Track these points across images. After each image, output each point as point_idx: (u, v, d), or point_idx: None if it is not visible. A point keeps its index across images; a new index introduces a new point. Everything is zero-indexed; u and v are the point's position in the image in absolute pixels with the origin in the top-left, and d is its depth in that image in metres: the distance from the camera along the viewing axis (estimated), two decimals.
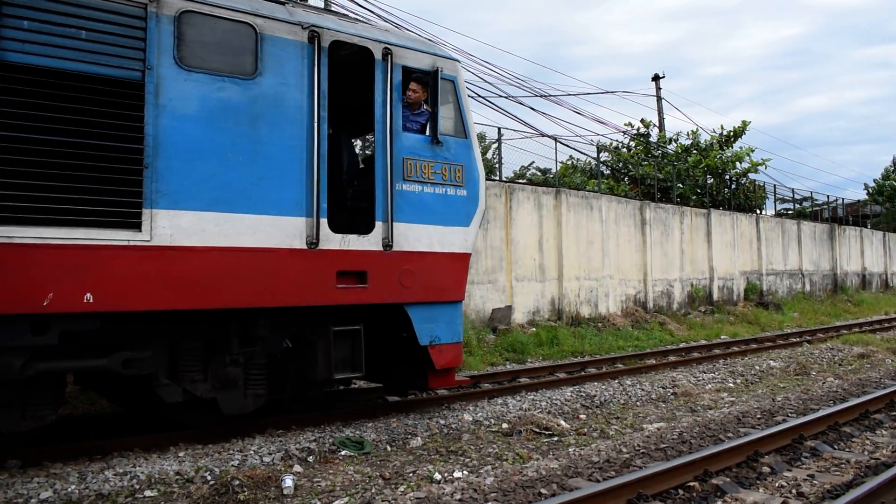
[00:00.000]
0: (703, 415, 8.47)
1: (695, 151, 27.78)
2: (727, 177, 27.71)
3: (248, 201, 6.22)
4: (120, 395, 7.51)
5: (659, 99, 30.90)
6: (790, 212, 33.80)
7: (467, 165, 7.81)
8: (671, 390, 10.23)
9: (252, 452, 6.41)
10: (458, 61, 8.11)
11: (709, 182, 26.67)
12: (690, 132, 29.33)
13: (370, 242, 7.01)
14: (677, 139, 29.19)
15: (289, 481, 5.61)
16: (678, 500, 5.34)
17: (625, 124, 30.43)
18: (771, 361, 12.99)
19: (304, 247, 6.53)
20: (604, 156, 25.62)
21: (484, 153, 24.49)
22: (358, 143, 11.38)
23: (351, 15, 13.48)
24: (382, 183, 7.12)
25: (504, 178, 17.47)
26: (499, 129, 17.99)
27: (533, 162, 25.48)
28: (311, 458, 6.52)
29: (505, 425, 7.86)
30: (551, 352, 14.22)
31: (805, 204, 35.01)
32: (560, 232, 17.31)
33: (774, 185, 31.26)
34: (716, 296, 22.96)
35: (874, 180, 48.82)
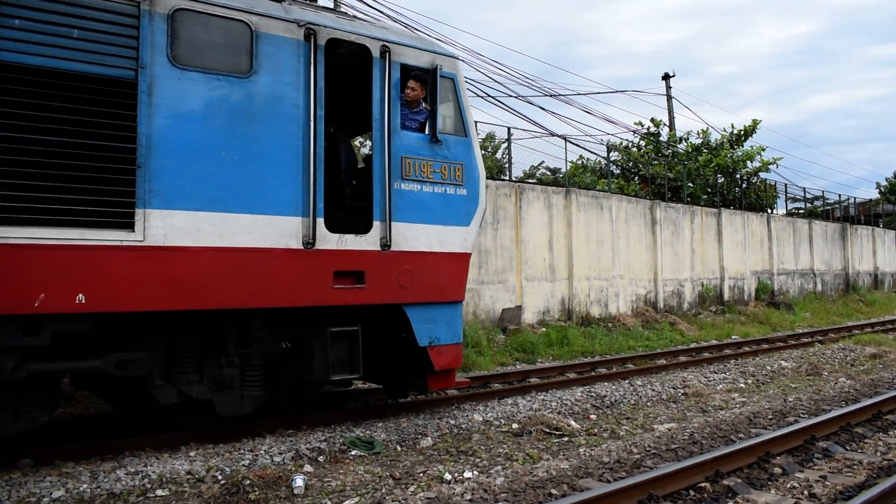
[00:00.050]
0: (714, 415, 8.43)
1: (705, 150, 27.67)
2: (738, 176, 27.60)
3: (244, 201, 6.16)
4: (116, 397, 7.45)
5: (669, 98, 30.79)
6: (801, 211, 33.62)
7: (467, 164, 7.72)
8: (682, 391, 10.20)
9: (263, 452, 6.42)
10: (458, 59, 8.01)
11: (719, 181, 26.57)
12: (701, 131, 29.26)
13: (368, 242, 6.95)
14: (687, 138, 29.12)
15: (299, 481, 5.62)
16: (689, 501, 5.32)
17: (635, 123, 30.31)
18: (782, 362, 12.93)
19: (301, 247, 6.47)
20: (614, 155, 25.60)
21: (494, 153, 24.50)
22: (368, 142, 11.37)
23: (360, 15, 13.49)
24: (380, 182, 7.05)
25: (514, 178, 17.45)
26: (508, 128, 17.96)
27: (543, 161, 25.42)
28: (321, 458, 6.53)
29: (515, 425, 7.86)
30: (561, 352, 14.20)
31: (816, 203, 34.82)
32: (570, 232, 17.28)
33: (786, 185, 31.17)
34: (727, 296, 22.87)
35: (886, 179, 48.57)
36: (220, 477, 5.80)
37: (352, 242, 6.84)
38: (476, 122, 22.17)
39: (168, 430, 6.98)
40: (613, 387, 10.24)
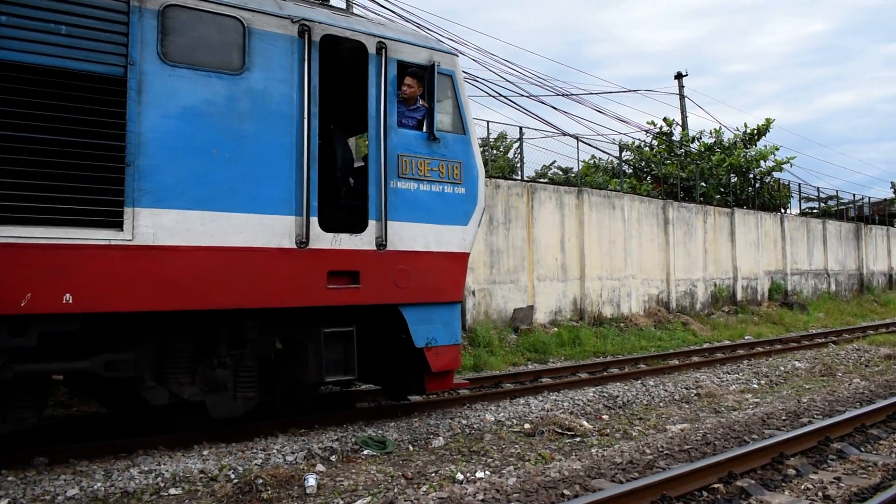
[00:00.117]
0: (728, 416, 8.39)
1: (718, 150, 27.54)
2: (751, 175, 27.45)
3: (235, 200, 6.08)
4: (108, 398, 7.37)
5: (682, 97, 30.66)
6: (815, 211, 33.42)
7: (466, 162, 7.62)
8: (695, 391, 10.15)
9: (275, 451, 6.44)
10: (457, 55, 7.92)
11: (732, 181, 26.44)
12: (714, 130, 29.11)
13: (363, 242, 6.86)
14: (700, 137, 28.98)
15: (311, 480, 5.63)
16: (702, 502, 5.30)
17: (647, 123, 30.24)
18: (796, 362, 12.85)
19: (294, 246, 6.39)
20: (626, 155, 25.50)
21: (505, 152, 24.51)
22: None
23: (374, 14, 13.51)
24: (376, 180, 6.96)
25: (526, 178, 17.43)
26: (520, 128, 17.93)
27: (555, 161, 25.44)
28: (333, 458, 6.54)
29: (527, 425, 7.85)
30: (573, 352, 14.17)
31: (830, 203, 34.60)
32: (582, 231, 17.24)
33: (799, 184, 30.98)
34: (739, 296, 22.76)
35: None
36: (232, 476, 5.82)
37: (346, 242, 6.76)
38: (488, 122, 22.26)
39: (163, 431, 6.92)
40: (626, 387, 10.21)
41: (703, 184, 25.70)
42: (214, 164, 5.99)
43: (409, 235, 7.16)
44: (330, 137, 7.79)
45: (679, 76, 30.82)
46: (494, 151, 25.29)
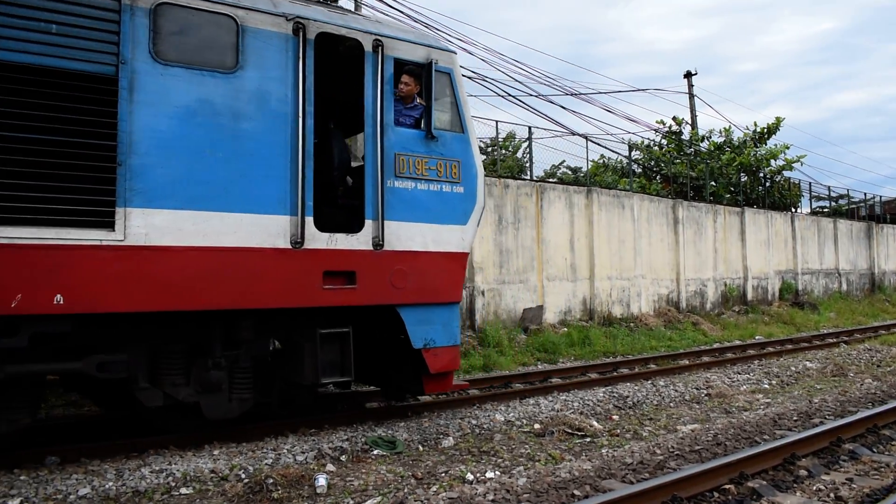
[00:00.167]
0: (738, 416, 8.36)
1: (728, 149, 27.44)
2: (761, 174, 27.33)
3: (229, 199, 6.03)
4: (103, 399, 7.35)
5: (691, 96, 30.54)
6: (826, 210, 33.24)
7: (464, 161, 7.54)
8: (705, 391, 10.12)
9: (285, 451, 6.45)
10: (455, 52, 7.84)
11: (742, 180, 26.33)
12: (723, 129, 29.00)
13: (359, 241, 6.79)
14: (710, 137, 28.89)
15: (322, 480, 5.64)
16: (713, 503, 5.28)
17: (657, 122, 30.12)
18: (807, 362, 12.79)
19: (289, 246, 6.34)
20: (635, 154, 25.44)
21: (514, 152, 24.45)
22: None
23: (382, 14, 13.51)
24: (372, 179, 6.91)
25: (535, 178, 17.41)
26: (529, 127, 17.89)
27: (564, 161, 25.29)
28: (343, 458, 6.55)
29: (537, 426, 7.84)
30: (583, 352, 14.15)
31: (841, 202, 34.38)
32: (591, 231, 17.21)
33: (810, 183, 30.87)
34: (750, 295, 22.67)
35: None
36: (243, 475, 5.84)
37: (342, 242, 6.70)
38: (497, 122, 22.19)
39: (157, 433, 6.90)
40: (636, 387, 10.19)
41: (713, 183, 25.60)
42: (207, 163, 5.95)
43: (406, 235, 7.10)
44: (327, 136, 7.76)
45: (688, 75, 30.70)
46: (503, 151, 25.26)
